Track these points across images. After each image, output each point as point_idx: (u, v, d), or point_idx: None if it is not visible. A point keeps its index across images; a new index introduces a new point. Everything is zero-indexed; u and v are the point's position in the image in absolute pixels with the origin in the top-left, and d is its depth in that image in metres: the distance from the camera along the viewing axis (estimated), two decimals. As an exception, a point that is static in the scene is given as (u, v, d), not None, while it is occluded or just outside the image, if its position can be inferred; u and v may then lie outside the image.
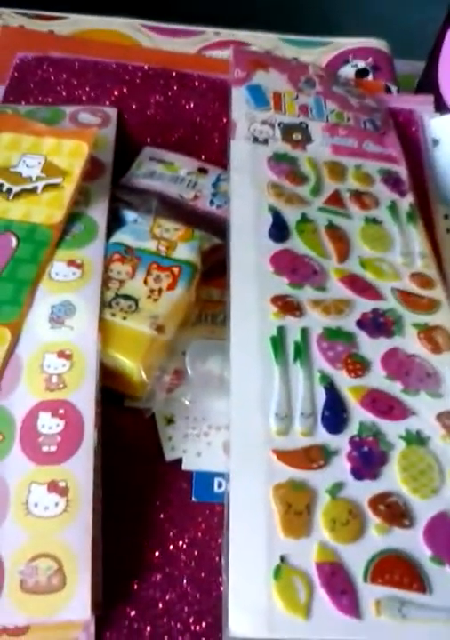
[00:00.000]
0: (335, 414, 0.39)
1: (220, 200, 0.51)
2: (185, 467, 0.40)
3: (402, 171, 0.55)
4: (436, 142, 0.63)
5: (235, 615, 0.32)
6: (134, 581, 0.35)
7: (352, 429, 0.39)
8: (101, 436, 0.37)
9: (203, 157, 0.56)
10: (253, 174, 0.52)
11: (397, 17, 0.96)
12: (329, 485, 0.36)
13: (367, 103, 0.63)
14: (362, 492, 0.36)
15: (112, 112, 0.56)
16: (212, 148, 0.57)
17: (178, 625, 0.34)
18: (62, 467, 0.35)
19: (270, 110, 0.57)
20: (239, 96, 0.58)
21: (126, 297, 0.42)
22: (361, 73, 0.72)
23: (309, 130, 0.57)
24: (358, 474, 0.37)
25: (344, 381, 0.40)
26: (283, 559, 0.33)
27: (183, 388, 0.42)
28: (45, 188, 0.46)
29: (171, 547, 0.37)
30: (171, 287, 0.43)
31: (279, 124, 0.57)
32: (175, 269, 0.44)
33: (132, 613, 0.34)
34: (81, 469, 0.35)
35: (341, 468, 0.37)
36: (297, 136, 0.56)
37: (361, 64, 0.72)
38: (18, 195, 0.46)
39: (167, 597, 0.35)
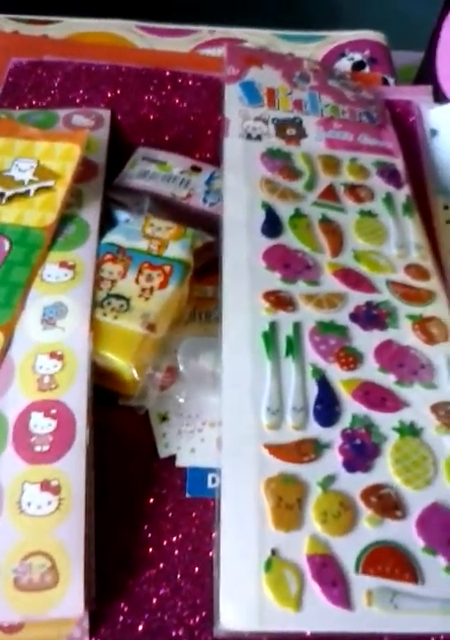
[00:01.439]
0: (327, 407, 0.39)
1: (214, 198, 0.51)
2: (179, 463, 0.40)
3: (398, 163, 0.55)
4: (434, 133, 0.63)
5: (225, 608, 0.32)
6: (128, 577, 0.36)
7: (344, 422, 0.39)
8: (95, 434, 0.37)
9: (197, 156, 0.56)
10: (246, 171, 0.52)
11: (396, 8, 0.96)
12: (320, 478, 0.36)
13: (363, 96, 0.63)
14: (354, 484, 0.36)
15: (105, 114, 0.57)
16: (206, 146, 0.58)
17: (172, 619, 0.35)
18: (55, 466, 0.35)
19: (264, 106, 0.57)
20: (232, 93, 0.58)
21: (118, 296, 0.43)
22: (358, 66, 0.72)
23: (303, 125, 0.57)
24: (350, 466, 0.37)
25: (337, 374, 0.40)
26: (274, 552, 0.34)
27: (177, 386, 0.43)
28: (38, 191, 0.47)
29: (165, 542, 0.37)
30: (162, 285, 0.44)
31: (273, 120, 0.56)
32: (166, 268, 0.44)
33: (126, 608, 0.35)
34: (73, 468, 0.35)
35: (332, 460, 0.37)
36: (291, 131, 0.56)
37: (358, 57, 0.72)
38: (11, 198, 0.46)
39: (161, 592, 0.35)
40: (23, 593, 0.32)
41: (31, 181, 0.47)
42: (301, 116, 0.57)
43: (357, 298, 0.44)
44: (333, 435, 0.38)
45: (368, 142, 0.56)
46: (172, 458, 0.40)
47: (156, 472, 0.40)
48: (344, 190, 0.52)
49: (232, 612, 0.32)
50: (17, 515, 0.34)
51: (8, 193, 0.47)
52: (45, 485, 0.35)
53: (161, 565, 0.36)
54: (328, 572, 0.33)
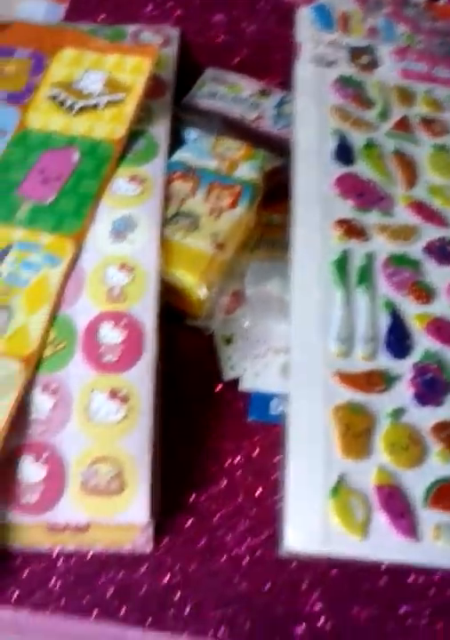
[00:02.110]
0: (399, 340, 0.38)
1: (284, 121, 0.49)
2: (242, 386, 0.40)
3: (475, 97, 0.52)
4: None
5: (291, 529, 0.32)
6: (191, 493, 0.36)
7: (416, 356, 0.38)
8: (161, 351, 0.37)
9: (265, 80, 0.54)
10: (317, 97, 0.50)
11: None
12: (390, 410, 0.36)
13: (440, 27, 0.60)
14: (424, 418, 0.36)
15: (174, 32, 0.55)
16: (275, 70, 0.55)
17: (233, 537, 0.35)
18: (123, 376, 0.35)
19: (337, 32, 0.55)
20: (305, 17, 0.55)
21: (187, 215, 0.42)
22: (433, -4, 0.68)
23: (377, 53, 0.54)
24: (421, 400, 0.36)
25: (409, 308, 0.39)
26: (341, 479, 0.33)
27: (242, 310, 0.42)
28: (108, 104, 0.45)
29: (227, 462, 0.37)
30: (232, 206, 0.42)
31: (346, 47, 0.54)
32: (236, 188, 0.43)
33: (189, 523, 0.35)
34: (141, 380, 0.35)
35: (402, 393, 0.36)
36: (364, 59, 0.54)
37: (434, -12, 0.68)
38: (80, 110, 0.45)
39: (223, 510, 0.35)
40: (90, 496, 0.33)
41: (101, 94, 0.46)
42: (376, 44, 0.55)
43: (431, 232, 0.43)
44: (403, 367, 0.37)
45: (444, 75, 0.54)
46: (236, 380, 0.40)
47: (219, 393, 0.39)
48: (418, 122, 0.50)
49: (297, 532, 0.32)
50: (85, 421, 0.34)
51: (78, 104, 0.45)
52: (114, 394, 0.35)
53: (223, 484, 0.36)
54: (396, 503, 0.33)
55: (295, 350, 0.37)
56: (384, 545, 0.32)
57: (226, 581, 0.33)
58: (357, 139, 0.47)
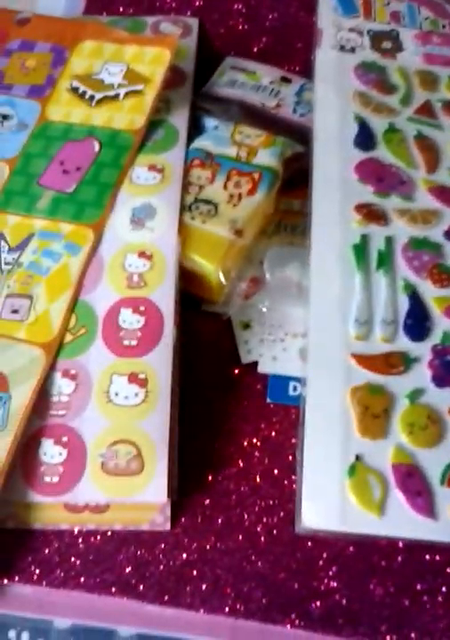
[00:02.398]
0: (418, 322, 0.38)
1: (304, 109, 0.49)
2: (261, 369, 0.40)
3: None
4: None
5: (308, 507, 0.32)
6: (209, 473, 0.36)
7: (435, 338, 0.37)
8: (180, 337, 0.38)
9: (286, 68, 0.54)
10: (338, 83, 0.49)
11: None
12: (408, 391, 0.35)
13: (465, 11, 0.59)
14: (443, 399, 0.35)
15: (193, 22, 0.55)
16: (295, 58, 0.55)
17: (251, 516, 0.35)
18: (142, 360, 0.36)
19: (359, 17, 0.55)
20: (326, 2, 0.55)
21: (206, 201, 0.42)
22: (458, -20, 0.67)
23: (401, 38, 0.54)
24: (440, 381, 0.36)
25: (429, 291, 0.39)
26: (358, 458, 0.33)
27: (260, 295, 0.42)
28: (127, 94, 0.46)
29: (245, 443, 0.37)
30: (251, 192, 0.43)
31: (368, 32, 0.54)
32: (255, 175, 0.43)
33: (206, 502, 0.35)
34: (160, 363, 0.36)
35: (421, 374, 0.36)
36: (387, 44, 0.53)
37: (458, -29, 0.67)
38: (100, 101, 0.46)
39: (241, 490, 0.36)
40: (110, 476, 0.33)
41: (121, 85, 0.47)
42: (399, 29, 0.54)
43: (453, 216, 0.42)
44: (422, 349, 0.37)
45: (468, 59, 0.53)
46: (254, 365, 0.40)
47: (237, 377, 0.40)
48: (442, 107, 0.49)
49: (314, 511, 0.32)
50: (105, 403, 0.35)
51: (98, 96, 0.46)
52: (133, 377, 0.35)
53: (241, 465, 0.37)
54: (413, 482, 0.33)
55: (313, 332, 0.37)
56: (401, 523, 0.32)
57: (243, 559, 0.33)
58: (379, 124, 0.47)
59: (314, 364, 0.36)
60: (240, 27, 0.57)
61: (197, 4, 0.58)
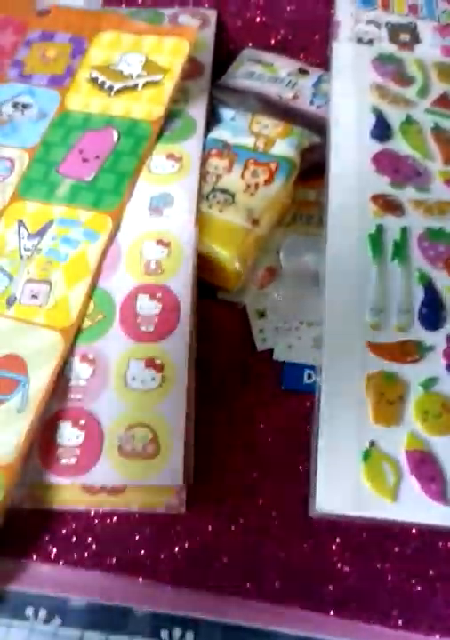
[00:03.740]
0: (433, 312, 0.38)
1: (321, 100, 0.49)
2: (276, 357, 0.40)
3: None
4: None
5: (322, 491, 0.33)
6: (224, 458, 0.36)
7: (449, 328, 0.37)
8: (196, 323, 0.38)
9: (303, 60, 0.54)
10: (355, 75, 0.50)
11: None
12: (423, 379, 0.36)
13: (483, 3, 0.58)
14: (457, 388, 0.35)
15: (211, 14, 0.55)
16: (313, 51, 0.55)
17: (265, 501, 0.35)
18: (159, 345, 0.36)
19: (377, 9, 0.55)
20: (344, -5, 0.55)
21: (223, 191, 0.42)
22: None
23: (418, 30, 0.54)
24: (455, 370, 0.36)
25: (444, 281, 0.39)
26: (372, 444, 0.34)
27: (275, 285, 0.42)
28: (146, 85, 0.47)
29: (260, 428, 0.37)
30: (268, 182, 0.43)
31: (386, 24, 0.54)
32: (273, 165, 0.44)
33: (221, 486, 0.36)
34: (176, 349, 0.36)
35: (436, 363, 0.36)
36: (404, 37, 0.53)
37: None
38: (119, 92, 0.46)
39: (255, 475, 0.36)
40: (126, 459, 0.34)
41: (139, 75, 0.47)
42: (417, 21, 0.54)
43: (469, 207, 0.43)
44: (437, 338, 0.37)
45: (486, 52, 0.53)
46: (269, 353, 0.40)
47: (252, 364, 0.40)
48: (459, 99, 0.49)
49: (329, 494, 0.33)
50: (122, 387, 0.35)
51: (116, 86, 0.47)
52: (150, 362, 0.36)
53: (256, 450, 0.37)
54: (427, 468, 0.33)
55: (329, 321, 0.38)
56: (414, 508, 0.32)
57: (256, 543, 0.34)
58: (396, 115, 0.47)
59: (330, 352, 0.37)
60: (258, 19, 0.57)
61: (215, -5, 0.58)
